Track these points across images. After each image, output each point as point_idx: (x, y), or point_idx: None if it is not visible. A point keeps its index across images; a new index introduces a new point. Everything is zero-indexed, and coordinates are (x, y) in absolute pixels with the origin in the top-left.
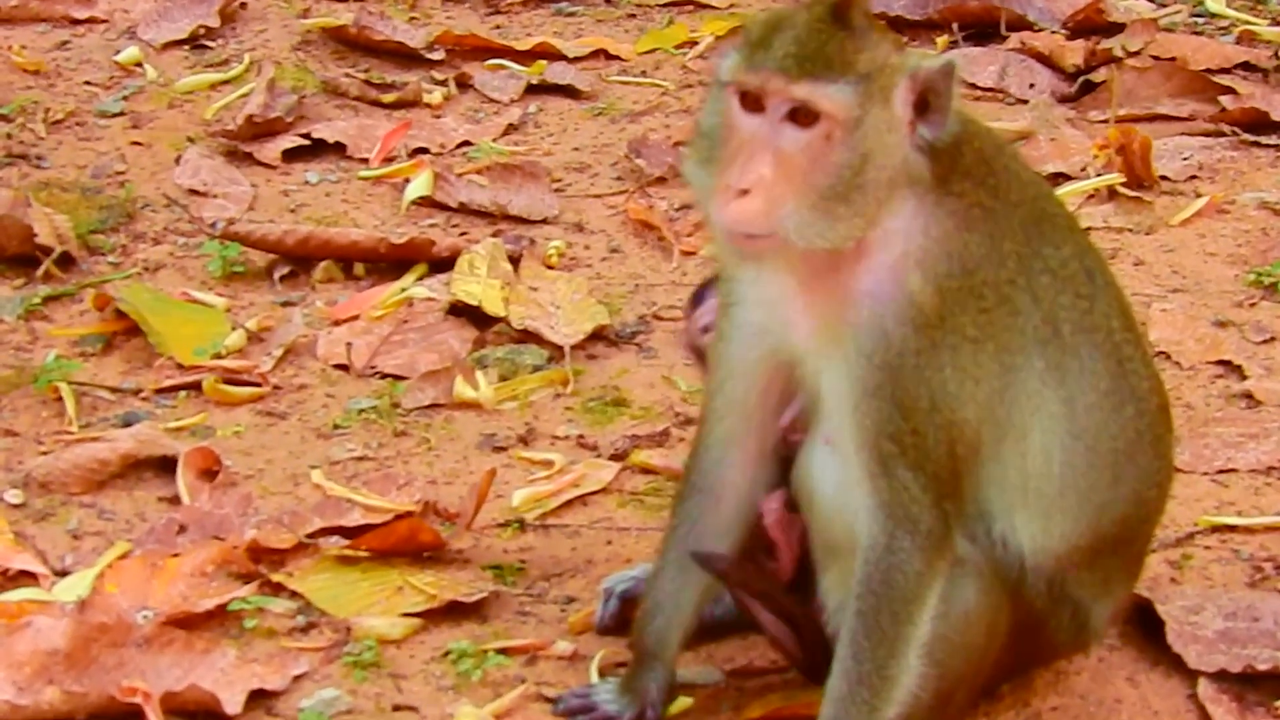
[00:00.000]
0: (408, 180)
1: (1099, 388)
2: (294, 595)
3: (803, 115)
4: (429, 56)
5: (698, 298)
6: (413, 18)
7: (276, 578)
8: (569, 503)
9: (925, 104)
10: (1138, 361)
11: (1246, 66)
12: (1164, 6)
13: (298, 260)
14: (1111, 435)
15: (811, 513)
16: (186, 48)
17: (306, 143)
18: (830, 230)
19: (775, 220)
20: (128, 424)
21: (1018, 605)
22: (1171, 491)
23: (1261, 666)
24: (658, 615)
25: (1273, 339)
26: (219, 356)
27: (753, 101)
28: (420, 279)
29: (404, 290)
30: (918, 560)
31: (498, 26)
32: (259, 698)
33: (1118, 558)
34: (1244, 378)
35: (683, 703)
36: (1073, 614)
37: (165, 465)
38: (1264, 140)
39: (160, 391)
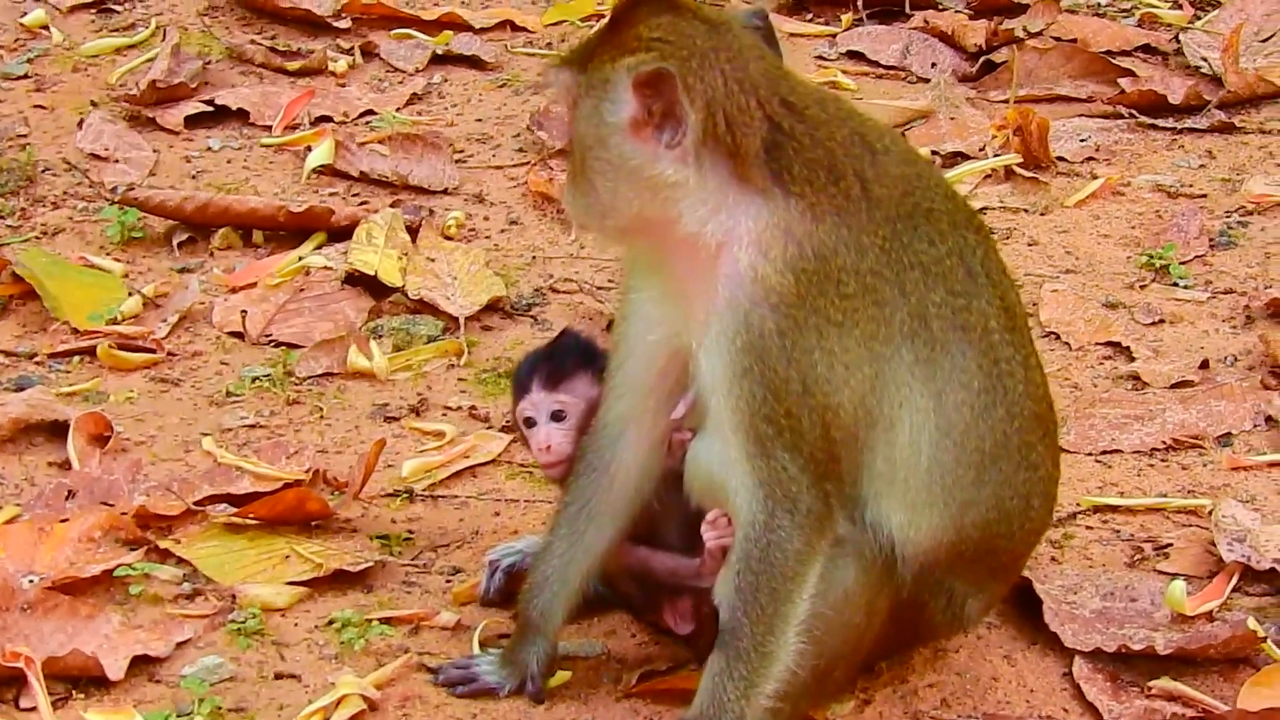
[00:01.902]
0: (309, 149)
1: (970, 386)
2: (180, 562)
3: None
4: (336, 25)
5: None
6: None
7: (164, 544)
8: (458, 473)
9: (659, 118)
10: (1016, 364)
11: (1147, 50)
12: None
13: (197, 227)
14: (979, 435)
15: (706, 491)
16: (93, 11)
17: (210, 109)
18: (573, 208)
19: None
20: (20, 388)
21: (895, 588)
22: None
23: (1136, 646)
24: (544, 590)
25: (1161, 321)
26: (114, 322)
27: None
28: (319, 248)
29: (301, 259)
30: (797, 539)
31: None
32: (142, 663)
33: (985, 566)
34: (1131, 359)
35: (562, 675)
36: (948, 601)
37: (57, 430)
38: (1161, 123)
39: (54, 356)
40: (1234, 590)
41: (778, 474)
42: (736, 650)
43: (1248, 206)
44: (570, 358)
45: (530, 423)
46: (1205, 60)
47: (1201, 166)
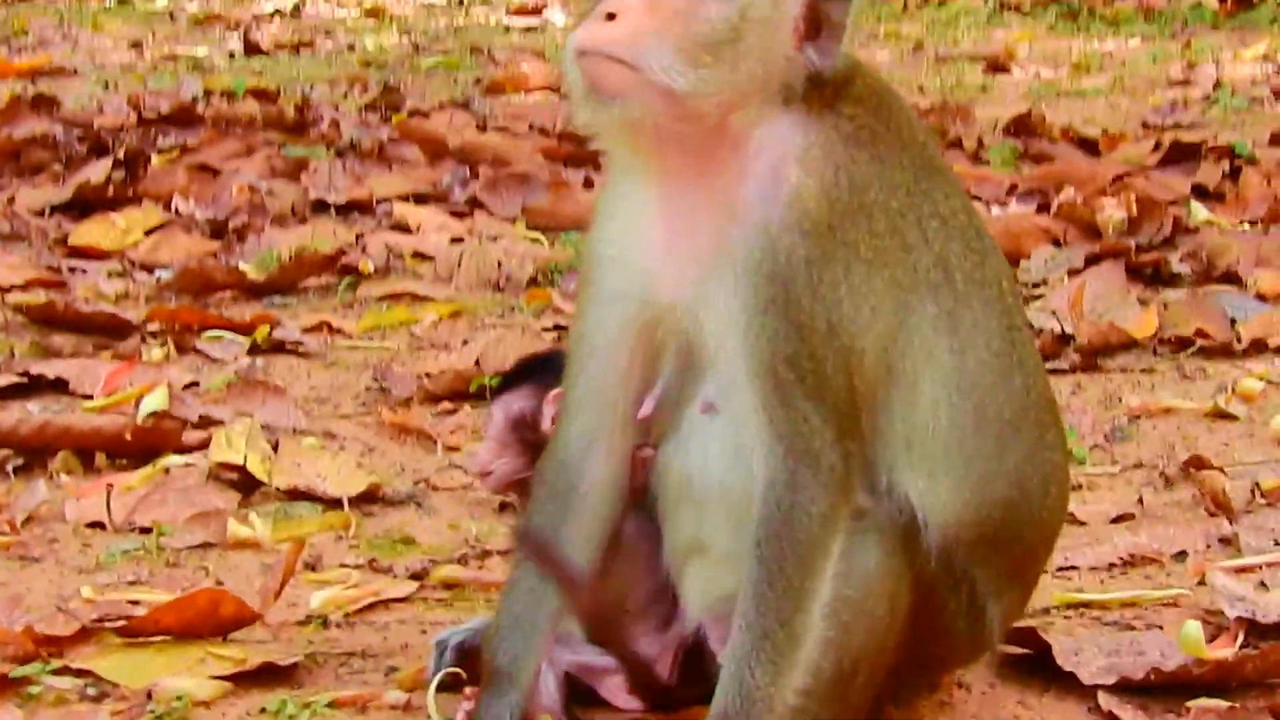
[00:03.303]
0: (138, 403)
1: (990, 347)
2: (81, 673)
3: None
4: (144, 329)
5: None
6: (120, 297)
7: (58, 663)
8: (371, 606)
9: (817, 26)
10: (1024, 334)
11: None
12: None
13: (33, 451)
14: (999, 402)
15: (680, 502)
16: None
17: (25, 380)
18: (694, 75)
19: (639, 49)
20: None
21: (917, 574)
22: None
23: (1168, 668)
24: (513, 633)
25: (1079, 487)
26: None
27: None
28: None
29: (157, 465)
30: (821, 499)
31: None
32: None
33: (1005, 557)
34: None
35: None
36: (970, 601)
37: None
38: None
39: None
40: (1241, 646)
41: (799, 426)
42: (762, 629)
43: (1133, 414)
44: (517, 372)
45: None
46: (1054, 314)
47: (1073, 394)
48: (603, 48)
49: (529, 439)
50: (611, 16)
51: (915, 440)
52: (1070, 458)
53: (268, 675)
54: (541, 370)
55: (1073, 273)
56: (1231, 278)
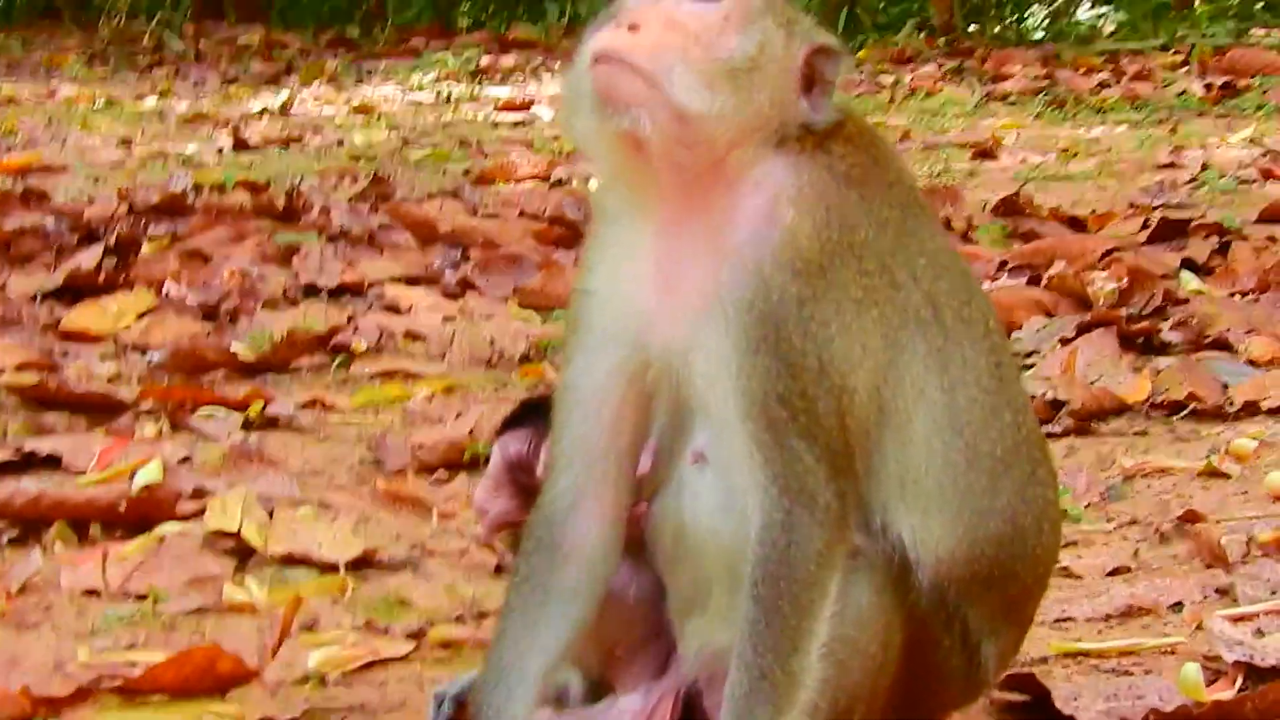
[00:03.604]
0: (132, 477)
1: (980, 383)
2: None
3: None
4: (138, 408)
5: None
6: (113, 378)
7: None
8: (369, 665)
9: (810, 81)
10: (1012, 370)
11: None
12: None
13: (27, 523)
14: (990, 440)
15: (677, 557)
16: None
17: (17, 458)
18: (711, 100)
19: (662, 63)
20: None
21: (909, 612)
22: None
23: (1168, 709)
24: (500, 684)
25: (1074, 543)
26: None
27: None
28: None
29: (151, 534)
30: (817, 539)
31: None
32: None
33: (999, 596)
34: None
35: None
36: (963, 640)
37: None
38: None
39: None
40: (1240, 689)
41: (793, 465)
42: (760, 670)
43: (1127, 474)
44: (518, 414)
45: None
46: (1047, 380)
47: (1067, 456)
48: (625, 55)
49: (523, 482)
50: (634, 28)
51: (909, 479)
52: (1065, 516)
53: None
54: (542, 413)
55: (1064, 341)
56: (1223, 345)
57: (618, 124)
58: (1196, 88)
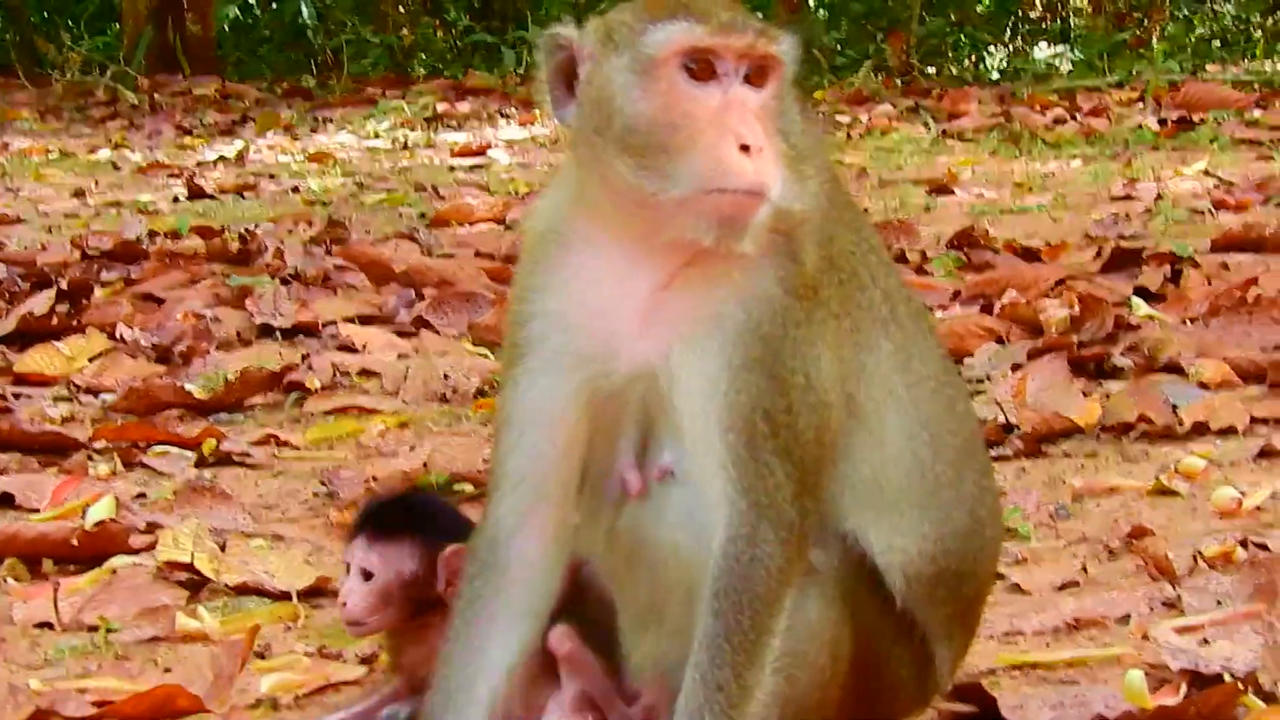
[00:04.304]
0: (84, 513)
1: (937, 376)
2: None
3: (756, 75)
4: (90, 447)
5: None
6: (66, 419)
7: None
8: (321, 689)
9: None
10: (951, 361)
11: None
12: None
13: None
14: (951, 430)
15: (634, 568)
16: None
17: None
18: (802, 191)
19: (778, 185)
20: None
21: (859, 623)
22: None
23: (1111, 716)
24: (448, 707)
25: (1024, 560)
26: None
27: (704, 70)
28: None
29: (104, 567)
30: (779, 555)
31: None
32: None
33: (958, 592)
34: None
35: None
36: (919, 644)
37: None
38: None
39: None
40: (1185, 697)
41: (763, 480)
42: (716, 682)
43: (1077, 494)
44: (400, 519)
45: (347, 569)
46: (998, 404)
47: (1018, 478)
48: (757, 188)
49: (416, 596)
50: (745, 149)
51: (882, 479)
52: (1015, 535)
53: None
54: (425, 522)
55: (1016, 368)
56: (1174, 369)
57: (743, 240)
58: (1151, 123)
